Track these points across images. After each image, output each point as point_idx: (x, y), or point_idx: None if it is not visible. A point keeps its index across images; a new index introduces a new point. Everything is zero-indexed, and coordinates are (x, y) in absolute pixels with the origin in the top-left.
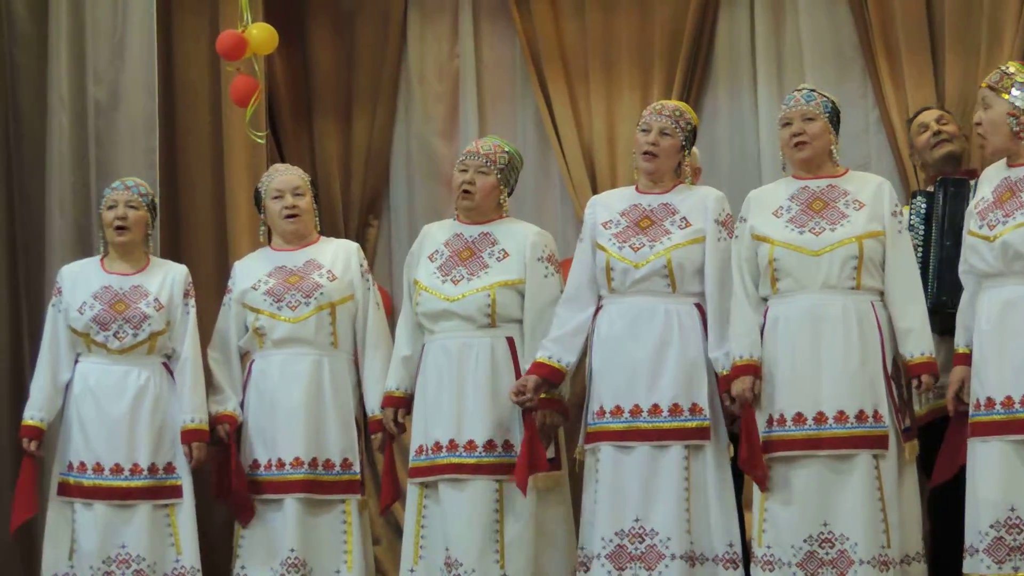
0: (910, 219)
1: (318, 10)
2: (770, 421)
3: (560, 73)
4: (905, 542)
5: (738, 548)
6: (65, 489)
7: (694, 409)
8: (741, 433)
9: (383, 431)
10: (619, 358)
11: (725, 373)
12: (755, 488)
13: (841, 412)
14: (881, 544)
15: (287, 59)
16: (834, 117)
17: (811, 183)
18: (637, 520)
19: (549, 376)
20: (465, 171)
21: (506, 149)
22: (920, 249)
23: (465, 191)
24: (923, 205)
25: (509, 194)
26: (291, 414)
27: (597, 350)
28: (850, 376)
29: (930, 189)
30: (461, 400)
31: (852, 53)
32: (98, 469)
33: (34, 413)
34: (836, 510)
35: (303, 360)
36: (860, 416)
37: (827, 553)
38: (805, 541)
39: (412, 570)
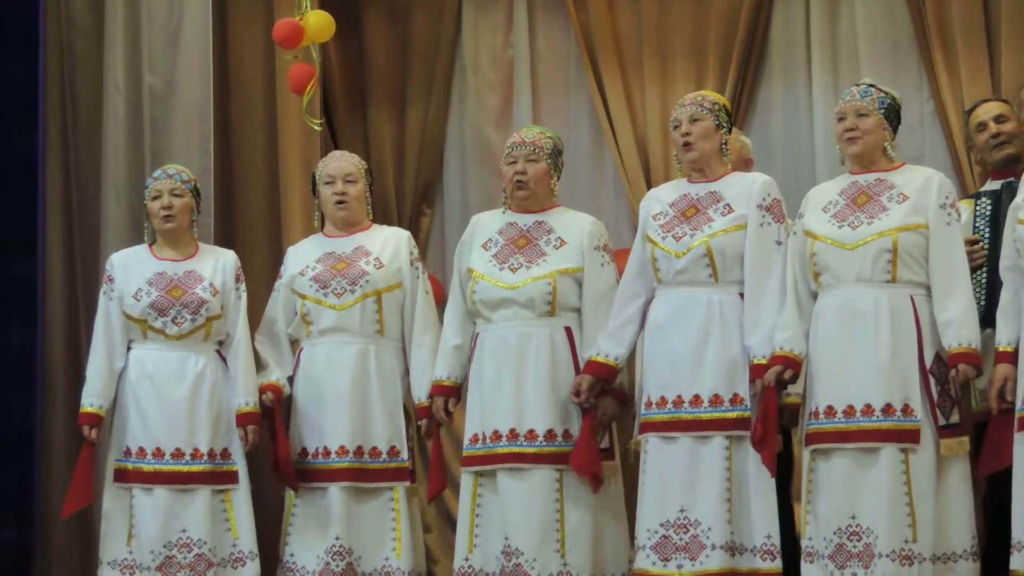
0: (975, 222)
1: None
2: (809, 415)
3: (614, 63)
4: (948, 539)
5: (776, 540)
6: (123, 475)
7: (735, 400)
8: (759, 414)
9: (430, 418)
10: (663, 349)
11: (755, 362)
12: (803, 481)
13: (868, 406)
14: (904, 538)
15: (342, 47)
16: (891, 113)
17: (861, 178)
18: (682, 511)
19: (600, 373)
20: (515, 162)
21: (548, 135)
22: (988, 253)
23: (519, 181)
24: (989, 207)
25: (558, 178)
26: (337, 402)
27: (646, 341)
28: (878, 370)
29: (994, 188)
30: (521, 389)
31: (907, 45)
32: (158, 454)
33: (92, 400)
34: (863, 503)
35: (348, 348)
36: (887, 410)
37: (855, 546)
38: (835, 533)
39: (467, 558)
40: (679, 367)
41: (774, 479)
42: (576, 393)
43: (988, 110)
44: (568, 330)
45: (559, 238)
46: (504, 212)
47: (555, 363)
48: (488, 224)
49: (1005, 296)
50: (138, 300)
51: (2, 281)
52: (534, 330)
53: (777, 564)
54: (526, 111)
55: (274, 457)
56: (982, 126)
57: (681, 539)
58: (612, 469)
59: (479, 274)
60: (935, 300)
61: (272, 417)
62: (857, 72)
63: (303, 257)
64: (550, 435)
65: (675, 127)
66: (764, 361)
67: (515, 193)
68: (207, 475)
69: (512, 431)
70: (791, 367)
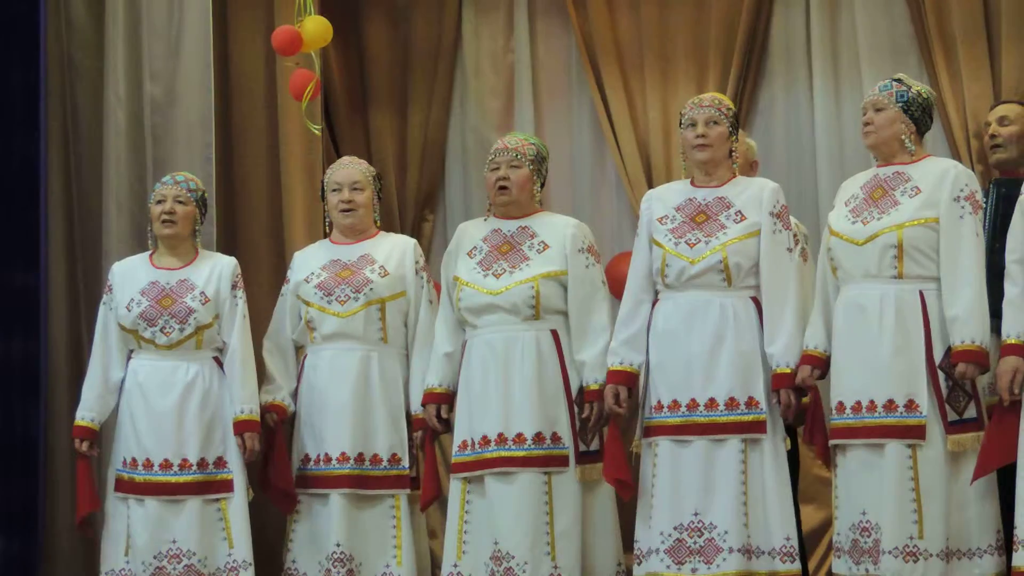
0: None
1: (374, 3)
2: (832, 410)
3: (615, 67)
4: (969, 534)
5: (795, 541)
6: (121, 485)
7: (750, 403)
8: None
9: (425, 428)
10: (675, 353)
11: (779, 371)
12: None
13: (872, 402)
14: (910, 535)
15: (343, 53)
16: (912, 107)
17: (882, 171)
18: (696, 514)
19: (626, 381)
20: (497, 168)
21: (532, 141)
22: None
23: (502, 187)
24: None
25: (541, 186)
26: (339, 409)
27: (654, 345)
28: (881, 366)
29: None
30: (508, 394)
31: (908, 45)
32: (148, 465)
33: (85, 414)
34: (871, 499)
35: (351, 355)
36: (889, 406)
37: (865, 542)
38: (850, 529)
39: (456, 565)
40: (693, 370)
41: (791, 481)
42: (616, 404)
43: (996, 111)
44: (554, 333)
45: (542, 242)
46: (487, 220)
47: (542, 366)
48: (473, 232)
49: (1014, 289)
50: (129, 310)
51: (4, 291)
52: (520, 334)
53: (796, 566)
54: (527, 115)
55: (264, 478)
56: (987, 126)
57: (696, 543)
58: (602, 471)
59: (464, 282)
60: (944, 295)
61: (272, 438)
62: (858, 73)
63: (309, 263)
64: (538, 438)
65: (690, 125)
66: (788, 370)
67: (497, 198)
68: (197, 485)
69: (500, 435)
70: (817, 365)
